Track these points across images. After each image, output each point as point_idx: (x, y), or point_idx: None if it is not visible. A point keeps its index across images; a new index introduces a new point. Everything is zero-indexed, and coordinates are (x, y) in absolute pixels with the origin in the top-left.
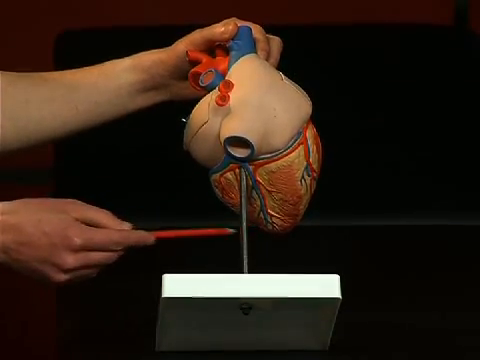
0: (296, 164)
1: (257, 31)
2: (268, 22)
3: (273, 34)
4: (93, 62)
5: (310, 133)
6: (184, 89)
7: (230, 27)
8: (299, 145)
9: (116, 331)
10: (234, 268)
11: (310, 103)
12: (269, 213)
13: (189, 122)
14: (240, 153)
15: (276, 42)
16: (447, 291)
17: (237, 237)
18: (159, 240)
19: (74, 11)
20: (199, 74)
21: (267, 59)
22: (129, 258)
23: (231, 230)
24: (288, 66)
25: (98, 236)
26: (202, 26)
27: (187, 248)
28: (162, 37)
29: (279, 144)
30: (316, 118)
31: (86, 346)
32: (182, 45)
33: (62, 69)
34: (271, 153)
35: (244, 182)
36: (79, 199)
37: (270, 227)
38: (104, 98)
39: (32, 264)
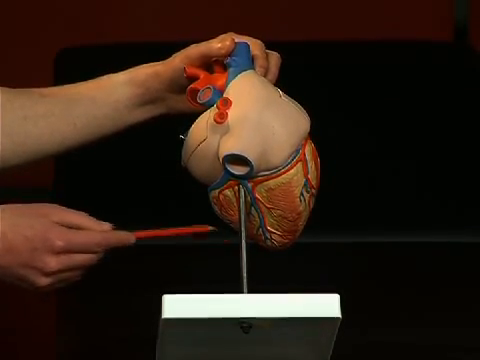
0: (295, 181)
1: (256, 47)
2: (267, 38)
3: (271, 50)
4: (94, 79)
5: (308, 149)
6: (180, 102)
7: (227, 43)
8: (297, 162)
9: (116, 348)
10: (234, 283)
11: (308, 119)
12: (268, 230)
13: (187, 139)
14: (239, 170)
15: (274, 58)
16: (448, 308)
17: (230, 246)
18: (139, 240)
19: (74, 28)
20: (197, 90)
21: (265, 75)
22: (129, 273)
23: (211, 227)
24: (286, 82)
25: (79, 237)
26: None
27: (187, 263)
28: (161, 53)
29: (278, 161)
30: (315, 134)
31: None
32: (178, 59)
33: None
34: (270, 170)
35: (243, 199)
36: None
37: (269, 243)
38: (102, 113)
39: (15, 270)
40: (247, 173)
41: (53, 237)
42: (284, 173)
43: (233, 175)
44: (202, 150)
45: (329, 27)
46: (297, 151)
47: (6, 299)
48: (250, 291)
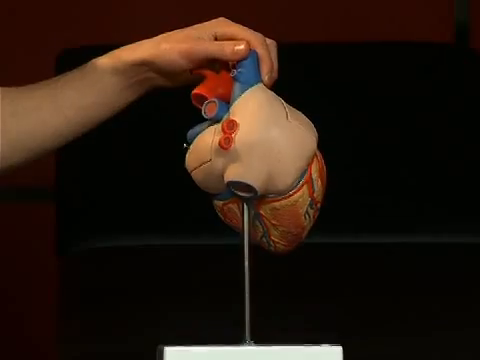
0: (300, 203)
1: (259, 45)
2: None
3: None
4: (78, 67)
5: (315, 167)
6: (169, 81)
7: (242, 47)
8: (303, 185)
9: (117, 349)
10: (234, 285)
11: (315, 136)
12: (272, 240)
13: (192, 150)
14: (243, 193)
15: (272, 47)
16: (448, 310)
17: (230, 247)
18: None
19: (76, 28)
20: (202, 96)
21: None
22: (130, 273)
23: None
24: (287, 85)
25: None
26: None
27: (188, 264)
28: None
29: (283, 187)
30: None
31: None
32: (176, 54)
33: None
34: (275, 194)
35: (246, 220)
36: (80, 216)
37: (272, 250)
38: (90, 101)
39: None
40: (252, 196)
41: None
42: (289, 197)
43: (238, 196)
44: (206, 170)
45: (329, 28)
46: (303, 174)
47: (6, 301)
48: (251, 292)
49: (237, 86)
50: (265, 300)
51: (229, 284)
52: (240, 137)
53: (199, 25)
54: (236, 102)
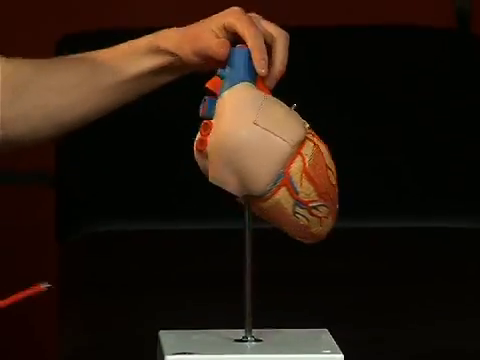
0: (283, 203)
1: (249, 37)
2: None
3: None
4: (115, 46)
5: (296, 169)
6: (199, 67)
7: (222, 50)
8: (280, 187)
9: (119, 343)
10: (238, 276)
11: (297, 137)
12: (286, 232)
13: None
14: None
15: (282, 39)
16: (451, 298)
17: (233, 231)
18: None
19: (75, 14)
20: (209, 91)
21: (270, 68)
22: (129, 270)
23: (45, 285)
24: (286, 69)
25: None
26: None
27: (189, 258)
28: None
29: (257, 191)
30: (311, 123)
31: None
32: (191, 53)
33: None
34: (255, 196)
35: (247, 220)
36: (81, 200)
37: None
38: (127, 81)
39: None
40: (236, 196)
41: None
42: (269, 199)
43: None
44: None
45: (329, 12)
46: (279, 176)
47: (6, 288)
48: (253, 284)
49: (223, 85)
50: (266, 291)
51: (232, 271)
52: (211, 140)
53: (214, 16)
54: (217, 102)
